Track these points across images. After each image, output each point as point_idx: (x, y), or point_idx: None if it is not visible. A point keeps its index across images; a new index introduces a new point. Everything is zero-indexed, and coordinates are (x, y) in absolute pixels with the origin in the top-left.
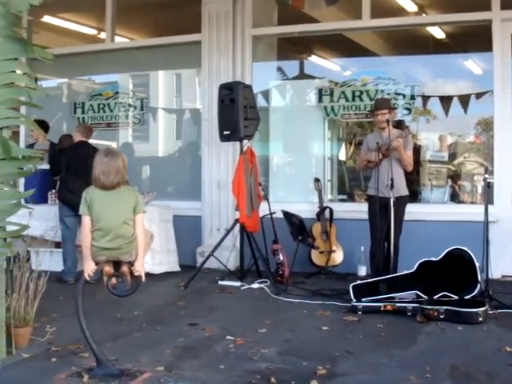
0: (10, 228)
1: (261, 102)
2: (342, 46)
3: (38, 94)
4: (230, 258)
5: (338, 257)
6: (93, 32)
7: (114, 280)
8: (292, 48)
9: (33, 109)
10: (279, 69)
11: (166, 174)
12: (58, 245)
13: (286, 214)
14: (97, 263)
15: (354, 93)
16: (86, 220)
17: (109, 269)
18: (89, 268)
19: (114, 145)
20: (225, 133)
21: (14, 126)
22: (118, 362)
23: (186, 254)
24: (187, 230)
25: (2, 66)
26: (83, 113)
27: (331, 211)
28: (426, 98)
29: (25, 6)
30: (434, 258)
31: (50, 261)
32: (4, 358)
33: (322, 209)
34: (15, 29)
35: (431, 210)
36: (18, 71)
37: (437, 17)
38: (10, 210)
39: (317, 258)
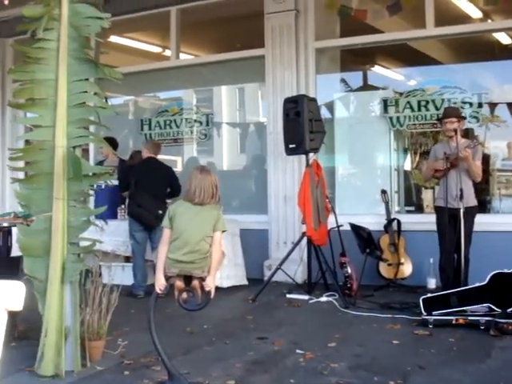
0: (82, 244)
1: (325, 113)
2: (406, 55)
3: (108, 112)
4: (297, 271)
5: (406, 269)
6: (158, 50)
7: (184, 295)
8: (355, 59)
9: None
10: (343, 80)
11: (233, 187)
12: (127, 259)
13: (354, 227)
14: (168, 277)
15: (419, 102)
16: (166, 232)
17: (180, 283)
18: (160, 282)
19: (179, 160)
20: (290, 146)
21: (84, 144)
22: (190, 376)
23: (253, 267)
24: (254, 244)
25: (74, 87)
26: (150, 129)
27: (399, 223)
28: (493, 106)
29: (96, 29)
30: (506, 270)
31: (121, 275)
32: (79, 370)
33: (390, 220)
34: (85, 50)
35: (501, 220)
36: (89, 91)
37: (503, 22)
38: (82, 226)
39: (385, 270)
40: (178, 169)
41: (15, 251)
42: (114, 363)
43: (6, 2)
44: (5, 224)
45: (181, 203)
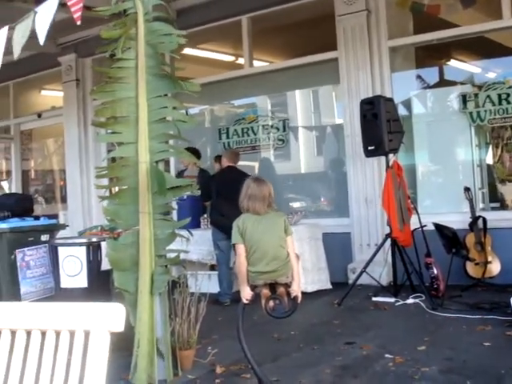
0: (169, 255)
1: (402, 112)
2: (483, 47)
3: (188, 125)
4: (382, 273)
5: (494, 268)
6: (231, 59)
7: (271, 303)
8: (430, 55)
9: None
10: (419, 77)
11: (312, 192)
12: (212, 267)
13: (438, 227)
14: (254, 287)
15: (500, 96)
16: (240, 249)
17: (266, 291)
18: (246, 293)
19: (257, 166)
20: (369, 148)
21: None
22: (280, 383)
23: (337, 271)
24: (337, 247)
25: (153, 103)
26: (228, 138)
27: (485, 220)
28: None
29: (172, 46)
30: None
31: (207, 283)
32: (172, 379)
33: (475, 218)
34: (162, 67)
35: None
36: (168, 106)
37: None
38: (168, 239)
39: (472, 269)
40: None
41: (105, 265)
42: (204, 372)
43: (79, 22)
44: (94, 239)
45: (247, 216)
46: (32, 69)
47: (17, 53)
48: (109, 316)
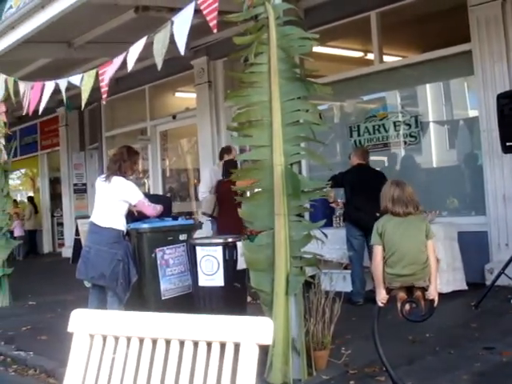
0: (304, 256)
1: None
2: None
3: (321, 128)
4: None
5: None
6: (360, 55)
7: (407, 306)
8: None
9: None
10: None
11: (446, 189)
12: (345, 267)
13: None
14: (390, 290)
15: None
16: (378, 250)
17: (402, 295)
18: (381, 296)
19: (388, 163)
20: (507, 144)
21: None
22: None
23: (473, 271)
24: (472, 247)
25: (287, 106)
26: (359, 135)
27: None
28: None
29: (304, 50)
30: None
31: (341, 283)
32: (306, 379)
33: None
34: (294, 70)
35: None
36: (302, 109)
37: None
38: (303, 240)
39: None
40: (389, 173)
41: (241, 264)
42: (338, 372)
43: (215, 31)
44: (230, 240)
45: (388, 218)
46: (166, 72)
47: (159, 64)
48: (257, 329)
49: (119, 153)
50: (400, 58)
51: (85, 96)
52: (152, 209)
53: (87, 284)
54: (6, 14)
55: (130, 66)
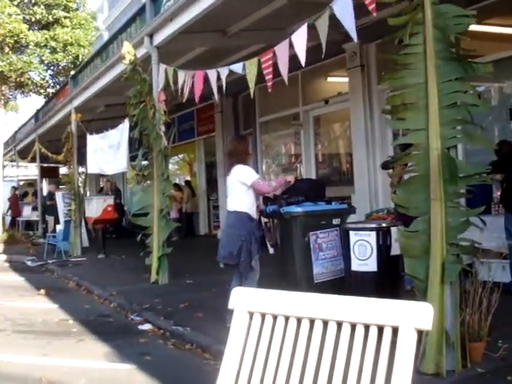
0: (462, 244)
1: None
2: None
3: (481, 110)
4: None
5: None
6: None
7: None
8: None
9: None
10: None
11: None
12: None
13: None
14: None
15: None
16: None
17: None
18: None
19: None
20: None
21: None
22: None
23: None
24: None
25: (444, 88)
26: None
27: None
28: None
29: (462, 28)
30: None
31: (497, 272)
32: (460, 370)
33: None
34: (452, 49)
35: None
36: (461, 90)
37: None
38: (461, 227)
39: None
40: None
41: (394, 250)
42: (494, 366)
43: (374, 14)
44: (384, 224)
45: None
46: (318, 57)
47: (324, 49)
48: (417, 314)
49: (232, 147)
50: None
51: (251, 85)
52: (267, 186)
53: (221, 265)
54: (164, 7)
55: (302, 59)
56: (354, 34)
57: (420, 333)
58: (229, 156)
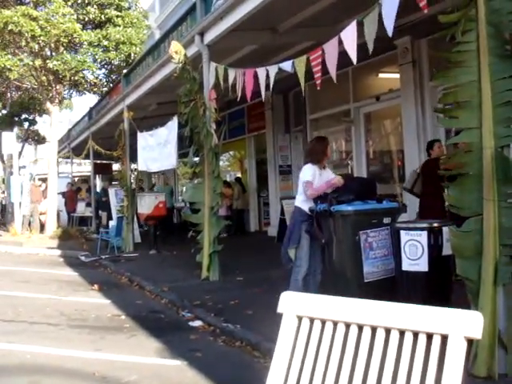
0: None
1: None
2: None
3: None
4: None
5: None
6: None
7: None
8: None
9: None
10: None
11: None
12: None
13: None
14: None
15: None
16: None
17: None
18: None
19: None
20: None
21: None
22: None
23: None
24: None
25: (498, 86)
26: None
27: None
28: None
29: None
30: None
31: None
32: None
33: None
34: (507, 47)
35: None
36: None
37: None
38: None
39: None
40: None
41: (446, 250)
42: None
43: (426, 11)
44: (435, 224)
45: None
46: (368, 54)
47: (371, 48)
48: (466, 322)
49: (310, 147)
50: None
51: (302, 82)
52: (311, 189)
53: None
54: (214, 5)
55: (354, 57)
56: (390, 30)
57: (470, 341)
58: (305, 155)
